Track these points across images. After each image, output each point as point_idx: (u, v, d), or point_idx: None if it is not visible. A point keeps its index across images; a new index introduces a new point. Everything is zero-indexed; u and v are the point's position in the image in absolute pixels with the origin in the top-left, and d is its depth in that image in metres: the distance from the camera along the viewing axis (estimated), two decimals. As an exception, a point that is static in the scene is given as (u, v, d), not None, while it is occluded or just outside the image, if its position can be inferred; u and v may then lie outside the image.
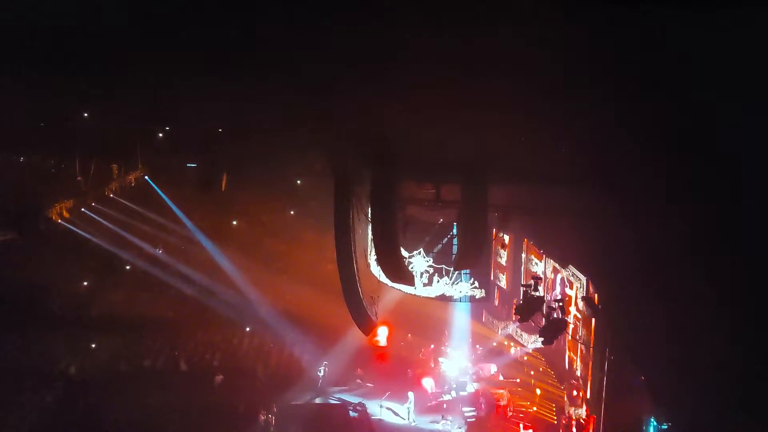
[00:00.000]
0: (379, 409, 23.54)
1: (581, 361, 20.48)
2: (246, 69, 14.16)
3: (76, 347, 25.64)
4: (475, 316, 27.97)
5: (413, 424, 22.83)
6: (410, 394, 23.27)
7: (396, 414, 23.37)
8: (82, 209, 26.29)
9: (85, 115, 23.17)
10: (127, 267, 28.29)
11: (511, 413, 23.11)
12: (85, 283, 28.00)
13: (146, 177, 27.21)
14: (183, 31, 13.58)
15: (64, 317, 26.31)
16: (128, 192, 27.59)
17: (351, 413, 23.35)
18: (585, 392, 19.80)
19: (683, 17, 10.52)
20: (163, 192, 27.45)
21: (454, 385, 24.77)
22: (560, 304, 16.37)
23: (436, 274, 21.68)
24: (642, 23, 10.91)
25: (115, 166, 26.32)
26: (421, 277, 21.54)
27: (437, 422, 22.63)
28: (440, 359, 26.33)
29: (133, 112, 21.19)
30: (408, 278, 19.37)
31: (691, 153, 12.84)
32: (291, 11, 12.04)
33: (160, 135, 25.95)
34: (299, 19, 12.31)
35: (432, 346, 27.22)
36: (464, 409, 23.30)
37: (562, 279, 21.92)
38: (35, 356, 24.07)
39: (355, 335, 23.40)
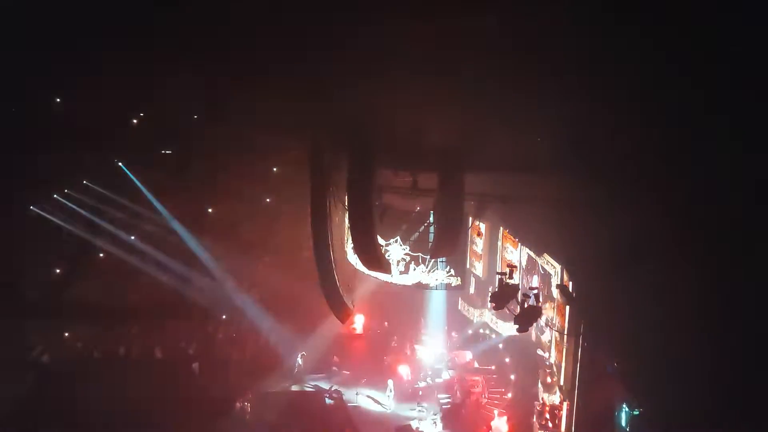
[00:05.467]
0: (356, 396, 23.63)
1: (555, 348, 20.69)
2: (221, 55, 14.04)
3: (49, 336, 25.31)
4: (451, 303, 28.08)
5: (389, 410, 22.97)
6: (389, 382, 23.38)
7: (373, 401, 23.48)
8: (55, 195, 25.91)
9: (58, 100, 22.84)
10: (101, 254, 27.92)
11: (485, 400, 23.34)
12: (58, 271, 27.58)
13: (120, 164, 26.83)
14: (156, 14, 13.44)
15: (36, 305, 25.92)
16: (102, 178, 27.19)
17: (327, 400, 23.40)
18: (559, 379, 20.01)
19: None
20: (137, 179, 27.07)
21: (430, 373, 24.92)
22: (535, 292, 16.47)
23: (413, 262, 21.73)
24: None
25: (89, 152, 25.89)
26: (398, 265, 21.58)
27: (413, 409, 22.79)
28: (416, 347, 26.45)
29: (108, 97, 20.93)
30: (385, 266, 19.40)
31: (668, 142, 12.97)
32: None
33: (135, 121, 25.66)
34: (276, 6, 12.23)
35: (408, 333, 27.31)
36: (439, 396, 23.46)
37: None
38: (6, 345, 23.68)
39: (332, 323, 23.43)
